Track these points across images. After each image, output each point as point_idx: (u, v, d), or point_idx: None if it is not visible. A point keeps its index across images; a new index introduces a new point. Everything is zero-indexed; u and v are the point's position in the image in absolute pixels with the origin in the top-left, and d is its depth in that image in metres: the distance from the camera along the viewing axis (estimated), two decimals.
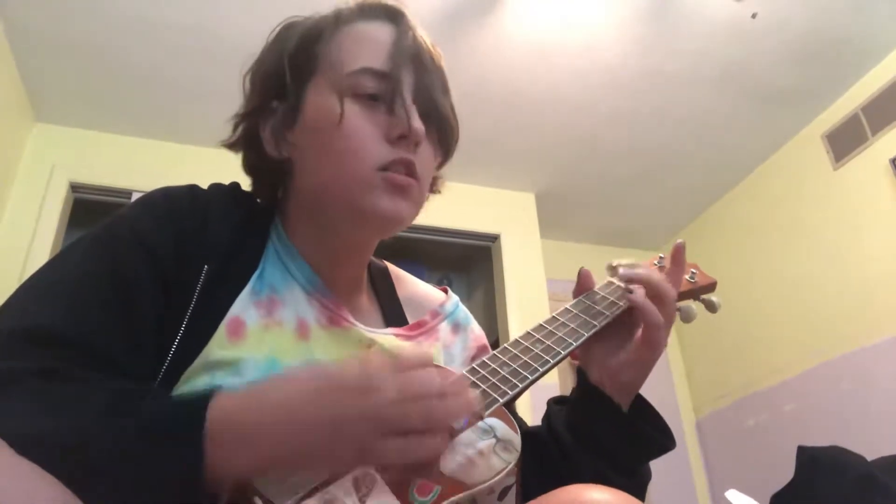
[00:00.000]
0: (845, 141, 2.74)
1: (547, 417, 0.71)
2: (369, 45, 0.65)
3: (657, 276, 0.69)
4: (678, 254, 0.74)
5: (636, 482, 0.65)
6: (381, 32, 0.67)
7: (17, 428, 0.42)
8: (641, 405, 0.68)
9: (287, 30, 0.70)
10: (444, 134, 0.69)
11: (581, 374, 0.69)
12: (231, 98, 0.74)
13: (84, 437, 0.43)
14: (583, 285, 0.72)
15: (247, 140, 0.70)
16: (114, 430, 0.44)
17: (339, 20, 0.68)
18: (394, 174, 0.62)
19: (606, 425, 0.65)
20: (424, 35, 0.69)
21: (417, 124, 0.63)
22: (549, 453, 0.66)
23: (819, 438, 1.49)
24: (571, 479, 0.51)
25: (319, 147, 0.64)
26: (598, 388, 0.66)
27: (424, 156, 0.66)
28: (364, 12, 0.68)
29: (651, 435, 0.66)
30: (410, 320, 0.75)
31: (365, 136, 0.62)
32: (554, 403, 0.73)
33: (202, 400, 0.46)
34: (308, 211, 0.68)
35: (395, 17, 0.68)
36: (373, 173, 0.62)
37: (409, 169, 0.63)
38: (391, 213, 0.63)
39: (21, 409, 0.45)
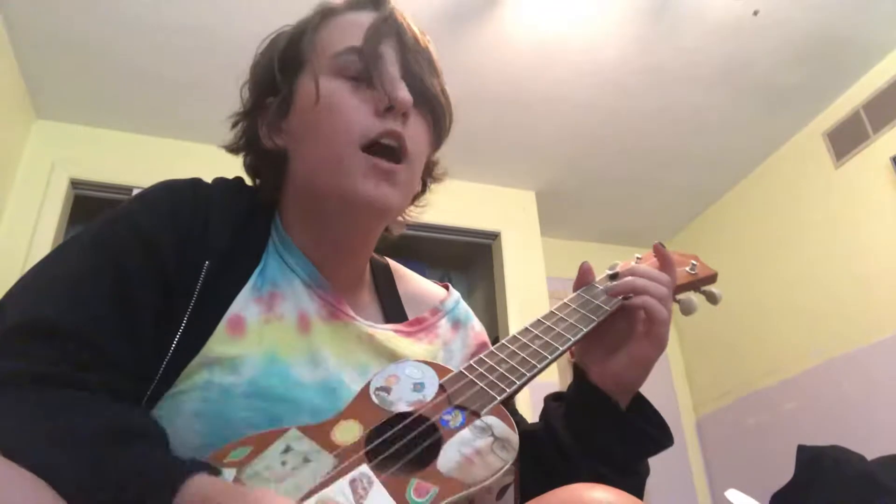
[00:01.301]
0: (846, 139, 2.73)
1: (545, 415, 0.71)
2: (353, 30, 0.66)
3: (641, 281, 0.67)
4: (659, 255, 0.75)
5: (635, 479, 0.65)
6: (365, 18, 0.68)
7: (5, 438, 0.43)
8: (639, 402, 0.68)
9: (277, 37, 0.72)
10: (435, 113, 0.69)
11: (578, 371, 0.69)
12: (230, 95, 0.75)
13: (65, 467, 0.42)
14: (582, 279, 0.72)
15: (246, 139, 0.71)
16: (93, 471, 0.43)
17: (325, 14, 0.69)
18: (378, 160, 0.62)
19: (605, 424, 0.65)
20: (409, 19, 0.70)
21: (403, 94, 0.63)
22: (547, 452, 0.66)
23: (819, 438, 1.49)
24: (570, 478, 0.51)
25: (307, 128, 0.65)
26: (597, 386, 0.66)
27: (415, 131, 0.66)
28: (350, 5, 0.70)
29: (650, 433, 0.66)
30: (410, 317, 0.75)
31: (349, 110, 0.63)
32: (551, 400, 0.72)
33: (182, 472, 0.43)
34: (303, 204, 0.68)
35: (378, 4, 0.69)
36: (357, 152, 0.62)
37: (399, 140, 0.63)
38: (376, 198, 0.62)
39: (13, 417, 0.45)
